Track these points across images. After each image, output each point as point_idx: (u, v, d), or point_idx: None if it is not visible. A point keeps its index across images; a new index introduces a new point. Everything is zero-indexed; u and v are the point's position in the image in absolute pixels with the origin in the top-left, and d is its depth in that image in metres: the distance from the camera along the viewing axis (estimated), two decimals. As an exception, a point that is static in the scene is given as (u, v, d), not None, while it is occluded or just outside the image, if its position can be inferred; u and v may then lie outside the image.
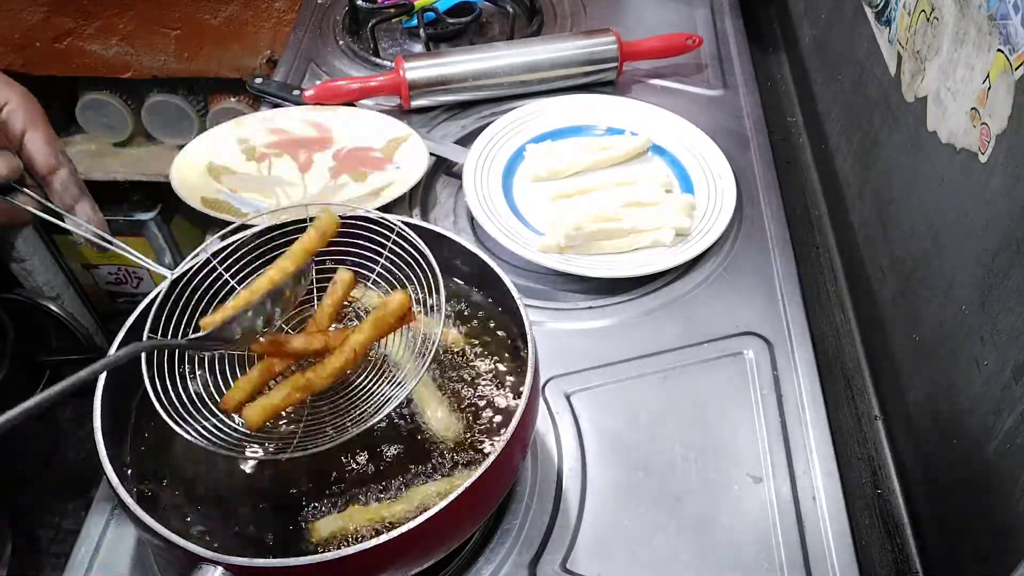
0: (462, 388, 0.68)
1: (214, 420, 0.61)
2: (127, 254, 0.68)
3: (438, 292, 0.62)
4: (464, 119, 1.11)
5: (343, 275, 0.66)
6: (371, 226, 0.68)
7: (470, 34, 1.26)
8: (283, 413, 0.63)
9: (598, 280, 0.88)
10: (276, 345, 0.61)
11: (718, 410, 0.78)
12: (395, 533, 0.52)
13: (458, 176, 1.01)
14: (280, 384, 0.60)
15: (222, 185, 0.99)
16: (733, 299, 0.88)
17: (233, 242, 0.68)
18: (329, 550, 0.53)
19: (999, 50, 0.61)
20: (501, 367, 0.69)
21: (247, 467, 0.64)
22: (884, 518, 0.76)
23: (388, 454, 0.64)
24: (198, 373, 0.66)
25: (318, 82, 1.11)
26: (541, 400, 0.78)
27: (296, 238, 0.65)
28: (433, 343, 0.62)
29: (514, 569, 0.68)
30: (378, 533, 0.56)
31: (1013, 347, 0.59)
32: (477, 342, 0.71)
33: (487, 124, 1.05)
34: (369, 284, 0.70)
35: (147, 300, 0.65)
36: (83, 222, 0.69)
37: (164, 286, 0.65)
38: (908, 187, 0.79)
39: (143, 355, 0.59)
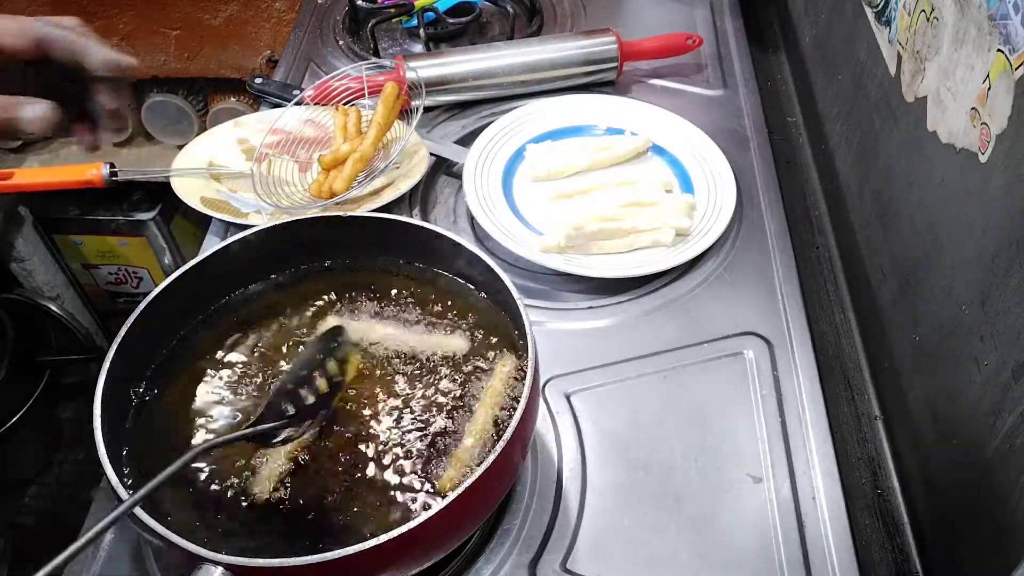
0: (462, 388, 0.68)
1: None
2: None
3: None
4: (464, 119, 1.11)
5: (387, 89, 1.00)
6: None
7: (470, 34, 1.26)
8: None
9: (598, 280, 0.88)
10: (336, 157, 0.95)
11: (718, 410, 0.78)
12: (395, 533, 0.52)
13: (458, 176, 1.01)
14: (346, 164, 0.93)
15: (222, 185, 0.99)
16: (733, 299, 0.88)
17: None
18: (327, 550, 0.53)
19: (999, 50, 0.61)
20: (501, 367, 0.69)
21: (248, 468, 0.64)
22: (884, 518, 0.76)
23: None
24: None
25: (318, 82, 1.11)
26: (541, 400, 0.78)
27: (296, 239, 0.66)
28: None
29: (514, 569, 0.68)
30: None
31: (1013, 347, 0.59)
32: (477, 342, 0.71)
33: (487, 124, 1.05)
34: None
35: (148, 299, 0.65)
36: None
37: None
38: (908, 187, 0.79)
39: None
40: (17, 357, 1.70)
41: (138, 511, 0.54)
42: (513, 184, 1.00)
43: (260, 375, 0.69)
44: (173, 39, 1.66)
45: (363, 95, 1.06)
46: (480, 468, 0.56)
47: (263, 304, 0.74)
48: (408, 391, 0.68)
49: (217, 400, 0.67)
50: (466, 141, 1.05)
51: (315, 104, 1.06)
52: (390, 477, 0.62)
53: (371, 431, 0.65)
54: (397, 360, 0.70)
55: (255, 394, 0.68)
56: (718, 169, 0.99)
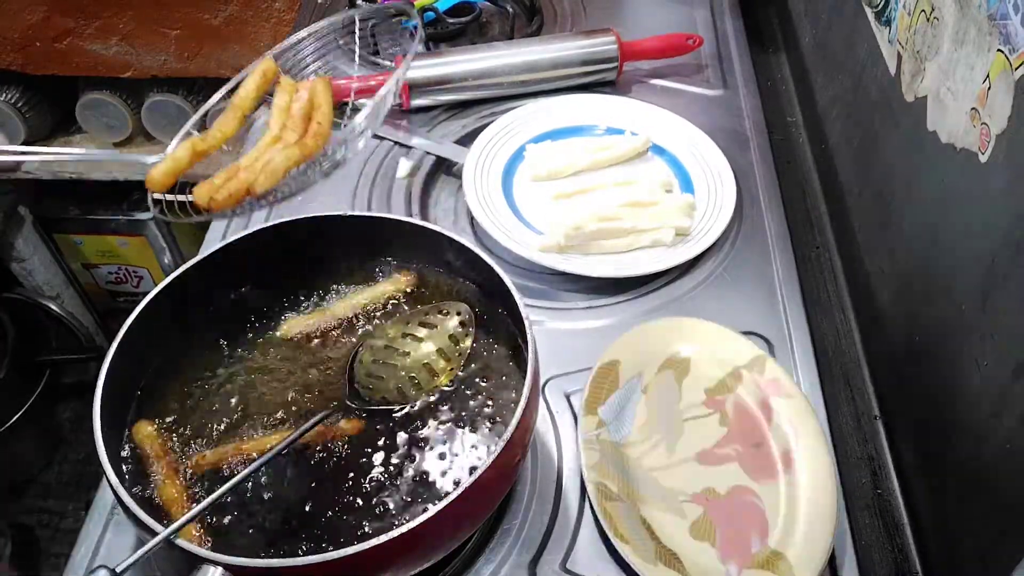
0: (461, 387, 0.68)
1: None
2: None
3: None
4: (464, 119, 1.11)
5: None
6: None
7: (470, 34, 1.25)
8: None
9: (598, 280, 0.88)
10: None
11: (718, 410, 0.78)
12: (395, 533, 0.52)
13: (458, 176, 1.01)
14: (279, 152, 0.71)
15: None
16: (733, 299, 0.88)
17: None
18: (324, 551, 0.53)
19: (999, 50, 0.61)
20: (501, 367, 0.69)
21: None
22: (884, 518, 0.76)
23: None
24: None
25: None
26: (541, 400, 0.78)
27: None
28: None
29: (514, 569, 0.68)
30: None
31: (1013, 347, 0.59)
32: (477, 342, 0.71)
33: (487, 124, 1.05)
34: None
35: (148, 299, 0.65)
36: None
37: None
38: (908, 187, 0.79)
39: None
40: (17, 357, 1.71)
41: (137, 511, 0.54)
42: (513, 184, 1.00)
43: (260, 375, 0.69)
44: (173, 39, 1.66)
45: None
46: (480, 468, 0.56)
47: (263, 304, 0.74)
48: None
49: (217, 400, 0.67)
50: (466, 141, 1.04)
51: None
52: (390, 477, 0.62)
53: (373, 432, 0.65)
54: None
55: (255, 394, 0.68)
56: (718, 169, 0.99)
